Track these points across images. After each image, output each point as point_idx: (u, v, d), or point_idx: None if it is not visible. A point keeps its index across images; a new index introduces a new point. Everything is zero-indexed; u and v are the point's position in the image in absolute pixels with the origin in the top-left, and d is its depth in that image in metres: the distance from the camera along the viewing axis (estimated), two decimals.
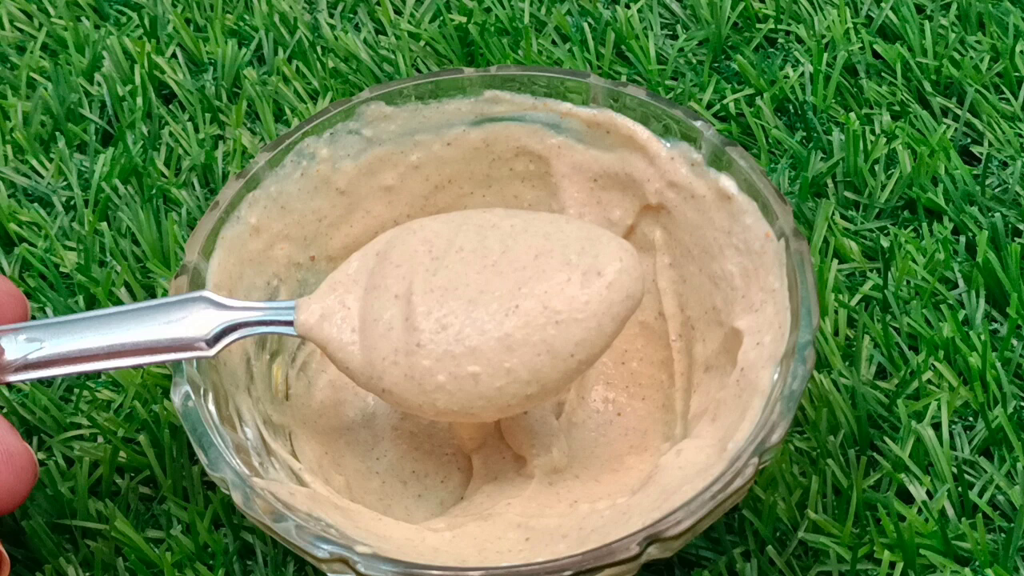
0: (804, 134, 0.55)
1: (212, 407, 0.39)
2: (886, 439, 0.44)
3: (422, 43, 0.59)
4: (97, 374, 0.40)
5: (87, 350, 0.39)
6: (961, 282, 0.49)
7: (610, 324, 0.39)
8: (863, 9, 0.60)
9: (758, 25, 0.60)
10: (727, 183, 0.43)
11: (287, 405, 0.44)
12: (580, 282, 0.39)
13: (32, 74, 0.59)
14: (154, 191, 0.53)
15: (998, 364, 0.46)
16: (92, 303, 0.50)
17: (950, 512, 0.42)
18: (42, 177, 0.55)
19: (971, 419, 0.45)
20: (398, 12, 0.62)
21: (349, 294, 0.41)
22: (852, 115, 0.54)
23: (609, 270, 0.39)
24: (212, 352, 0.39)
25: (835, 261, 0.49)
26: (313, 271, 0.46)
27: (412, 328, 0.39)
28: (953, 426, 0.45)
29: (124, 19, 0.62)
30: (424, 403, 0.39)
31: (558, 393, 0.40)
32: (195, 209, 0.53)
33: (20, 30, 0.61)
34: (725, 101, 0.56)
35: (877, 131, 0.54)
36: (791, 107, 0.56)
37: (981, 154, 0.53)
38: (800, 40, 0.59)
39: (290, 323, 0.40)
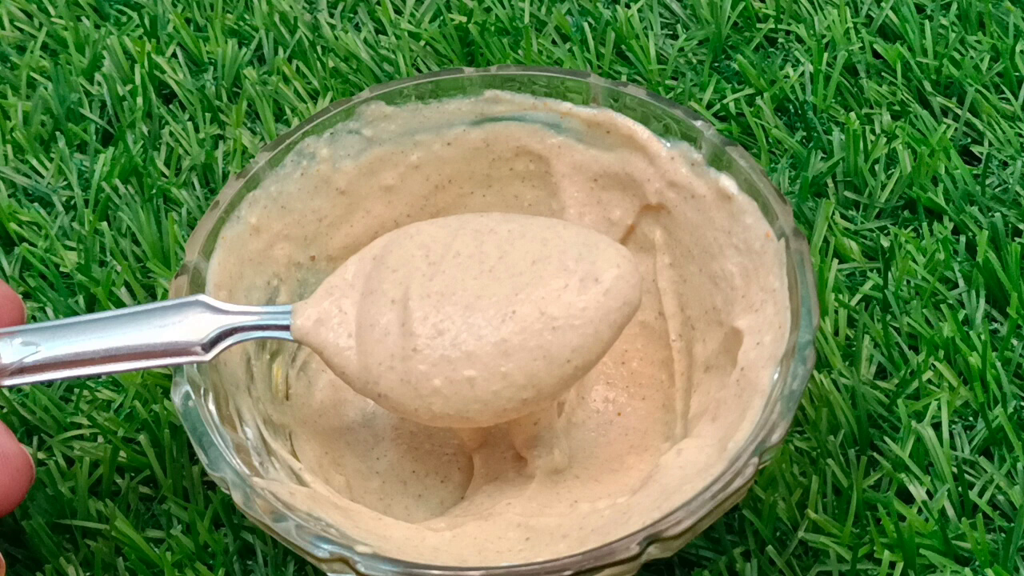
0: (804, 134, 0.55)
1: (212, 407, 0.39)
2: (886, 439, 0.44)
3: (422, 43, 0.59)
4: (97, 375, 0.40)
5: (83, 354, 0.39)
6: (961, 282, 0.49)
7: (607, 331, 0.39)
8: (863, 9, 0.60)
9: (758, 25, 0.60)
10: (727, 183, 0.43)
11: (287, 405, 0.44)
12: (577, 288, 0.39)
13: (32, 74, 0.59)
14: (154, 191, 0.53)
15: (998, 364, 0.46)
16: (92, 303, 0.50)
17: (950, 512, 0.42)
18: (42, 177, 0.55)
19: (971, 419, 0.45)
20: (398, 12, 0.62)
21: (346, 299, 0.41)
22: (852, 115, 0.54)
23: (607, 276, 0.39)
24: (208, 357, 0.39)
25: (835, 261, 0.49)
26: (313, 271, 0.46)
27: (408, 333, 0.39)
28: (953, 426, 0.45)
29: (124, 19, 0.62)
30: (420, 407, 0.39)
31: (555, 398, 0.40)
32: (195, 209, 0.53)
33: (20, 30, 0.61)
34: (725, 101, 0.56)
35: (877, 131, 0.54)
36: (791, 107, 0.56)
37: (981, 154, 0.53)
38: (800, 40, 0.59)
39: (286, 328, 0.40)
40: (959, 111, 0.55)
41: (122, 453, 0.45)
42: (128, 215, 0.52)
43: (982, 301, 0.48)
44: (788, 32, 0.59)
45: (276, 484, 0.38)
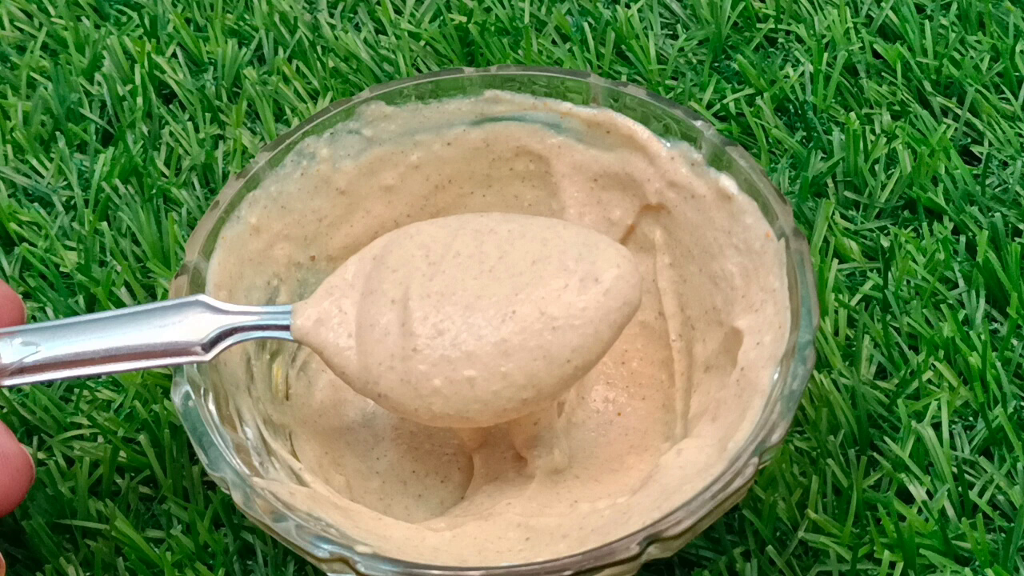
0: (804, 134, 0.55)
1: (212, 407, 0.39)
2: (886, 439, 0.44)
3: (422, 43, 0.59)
4: (97, 375, 0.40)
5: (83, 354, 0.39)
6: (961, 282, 0.49)
7: (607, 331, 0.39)
8: (863, 9, 0.60)
9: (758, 25, 0.60)
10: (727, 183, 0.43)
11: (287, 405, 0.44)
12: (577, 288, 0.39)
13: (32, 74, 0.59)
14: (154, 191, 0.53)
15: (998, 364, 0.46)
16: (92, 303, 0.50)
17: (950, 512, 0.42)
18: (42, 177, 0.55)
19: (971, 419, 0.45)
20: (398, 12, 0.62)
21: (346, 299, 0.41)
22: (852, 115, 0.54)
23: (607, 276, 0.39)
24: (208, 357, 0.39)
25: (835, 261, 0.49)
26: (313, 271, 0.46)
27: (408, 333, 0.39)
28: (953, 426, 0.45)
29: (124, 19, 0.62)
30: (420, 407, 0.39)
31: (555, 398, 0.40)
32: (195, 209, 0.53)
33: (20, 30, 0.61)
34: (725, 101, 0.56)
35: (877, 131, 0.54)
36: (791, 107, 0.56)
37: (981, 154, 0.53)
38: (800, 40, 0.59)
39: (286, 328, 0.40)
40: (959, 111, 0.55)
41: (122, 453, 0.45)
42: (128, 215, 0.52)
43: (982, 301, 0.48)
44: (788, 32, 0.59)
45: (276, 484, 0.38)
